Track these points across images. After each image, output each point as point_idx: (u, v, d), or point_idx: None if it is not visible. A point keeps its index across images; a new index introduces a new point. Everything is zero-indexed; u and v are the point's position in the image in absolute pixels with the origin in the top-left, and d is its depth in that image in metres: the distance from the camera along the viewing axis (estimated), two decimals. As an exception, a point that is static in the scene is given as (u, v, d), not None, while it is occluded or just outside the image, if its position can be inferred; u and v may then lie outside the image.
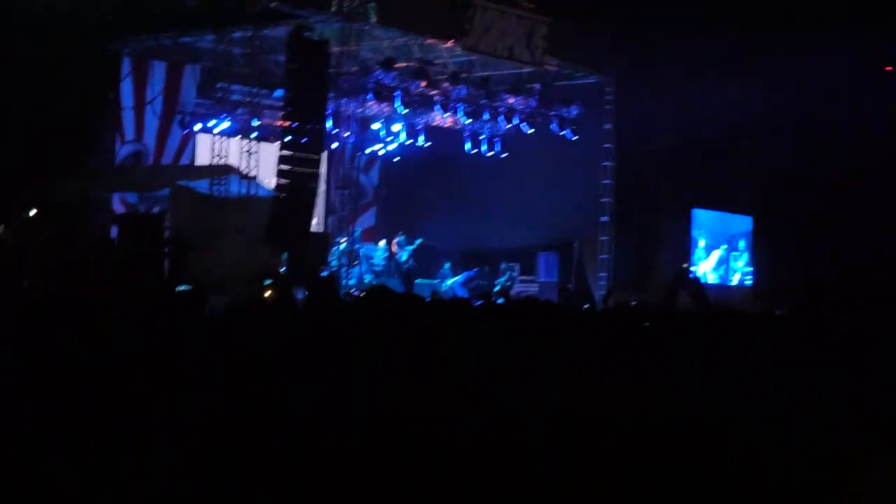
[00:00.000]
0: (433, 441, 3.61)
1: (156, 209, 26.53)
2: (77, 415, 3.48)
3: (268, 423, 3.60)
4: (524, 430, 4.03)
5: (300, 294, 17.71)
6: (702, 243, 31.29)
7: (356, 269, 27.28)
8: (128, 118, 28.60)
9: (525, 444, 3.93)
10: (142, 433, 3.50)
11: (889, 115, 27.60)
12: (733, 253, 31.95)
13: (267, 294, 20.11)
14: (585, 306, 21.00)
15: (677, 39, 29.22)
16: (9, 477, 3.26)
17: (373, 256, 28.80)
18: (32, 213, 25.10)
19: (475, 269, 29.34)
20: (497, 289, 28.42)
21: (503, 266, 29.84)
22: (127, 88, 28.51)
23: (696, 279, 24.93)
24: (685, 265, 23.13)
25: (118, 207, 28.06)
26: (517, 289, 29.30)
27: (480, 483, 3.50)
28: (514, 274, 29.85)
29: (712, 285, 30.42)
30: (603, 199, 30.46)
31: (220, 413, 3.74)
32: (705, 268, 31.26)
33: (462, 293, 27.27)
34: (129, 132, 28.71)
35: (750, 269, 32.11)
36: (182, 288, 16.79)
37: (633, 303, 17.72)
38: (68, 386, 3.69)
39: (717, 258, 31.59)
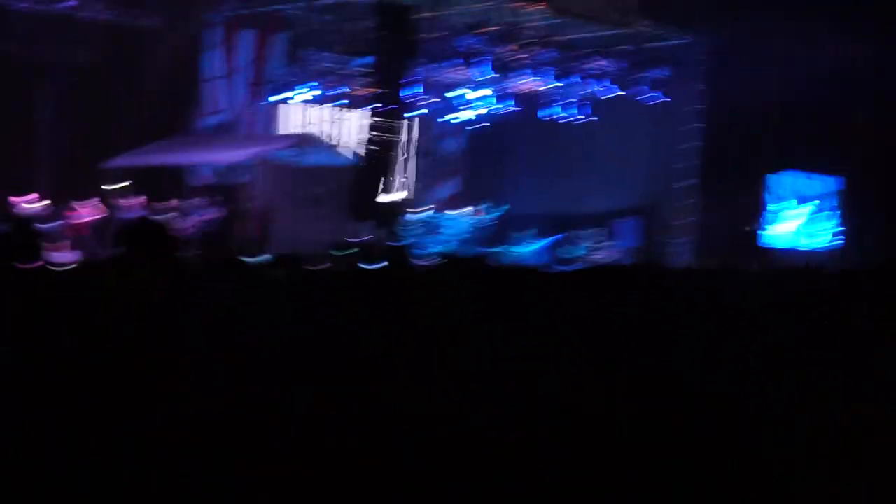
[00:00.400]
0: (433, 439, 3.60)
1: (242, 178, 26.79)
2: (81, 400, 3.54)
3: (269, 422, 3.61)
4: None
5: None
6: (787, 204, 30.79)
7: (439, 237, 27.30)
8: (216, 88, 28.87)
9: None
10: (149, 424, 3.55)
11: None
12: (817, 215, 31.39)
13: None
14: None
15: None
16: (9, 477, 3.30)
17: (457, 224, 28.75)
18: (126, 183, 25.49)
19: (560, 236, 29.14)
20: (580, 253, 28.25)
21: (586, 231, 29.58)
22: (217, 57, 28.77)
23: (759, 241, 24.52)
24: (750, 227, 22.76)
25: (206, 178, 28.39)
26: (600, 254, 29.05)
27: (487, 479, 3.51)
28: (597, 238, 29.58)
29: (794, 249, 29.95)
30: (690, 163, 30.07)
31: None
32: (789, 228, 30.77)
33: (546, 259, 27.15)
34: (218, 101, 28.99)
35: (836, 230, 31.54)
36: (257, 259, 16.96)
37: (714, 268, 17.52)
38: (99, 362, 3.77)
39: (803, 219, 31.09)
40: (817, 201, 31.64)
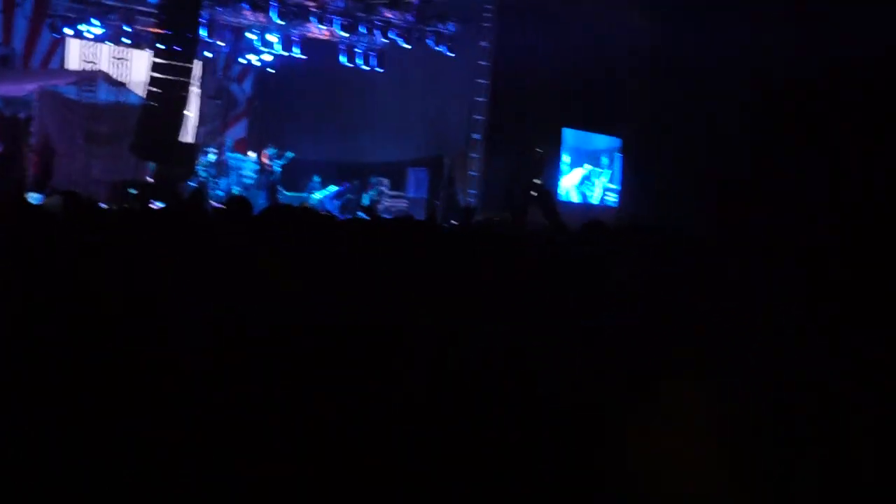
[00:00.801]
0: (433, 439, 3.69)
1: (21, 114, 26.10)
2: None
3: (267, 422, 3.65)
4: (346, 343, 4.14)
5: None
6: (566, 159, 31.54)
7: (224, 181, 27.12)
8: (-4, 19, 28.07)
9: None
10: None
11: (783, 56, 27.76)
12: (595, 169, 32.28)
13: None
14: (452, 223, 21.15)
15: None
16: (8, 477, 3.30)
17: (242, 168, 28.61)
18: None
19: (346, 184, 29.32)
20: (366, 203, 28.47)
21: (372, 180, 29.83)
22: (-5, -11, 27.96)
23: (548, 193, 24.99)
24: (536, 180, 23.19)
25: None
26: (385, 203, 29.33)
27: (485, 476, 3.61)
28: (383, 188, 29.85)
29: (575, 204, 30.72)
30: (476, 117, 30.55)
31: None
32: (568, 184, 31.54)
33: (331, 207, 27.27)
34: (-2, 33, 28.18)
35: (614, 187, 32.47)
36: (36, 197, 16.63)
37: (497, 219, 17.89)
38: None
39: (581, 176, 31.90)
40: (596, 158, 32.50)
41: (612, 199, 32.32)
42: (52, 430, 3.42)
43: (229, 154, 28.59)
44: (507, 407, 3.70)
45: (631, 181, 32.00)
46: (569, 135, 31.66)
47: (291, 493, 3.43)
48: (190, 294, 4.49)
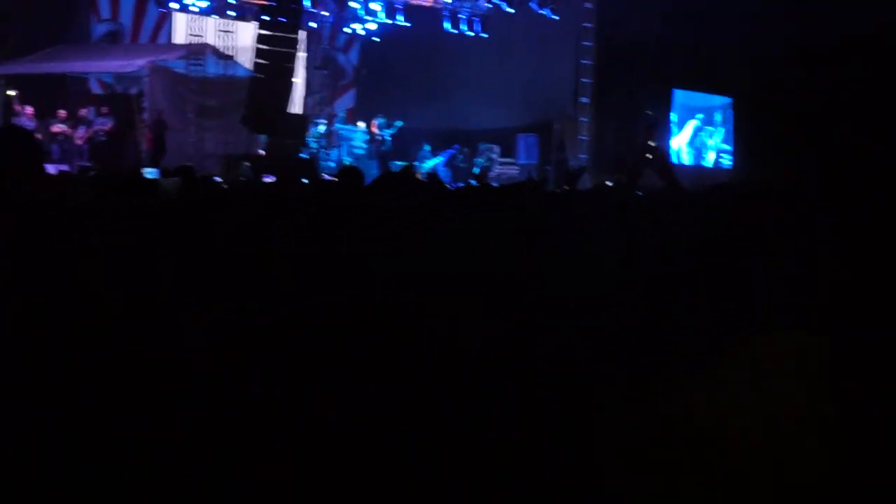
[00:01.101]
0: (433, 438, 3.58)
1: (133, 90, 26.33)
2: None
3: (268, 420, 3.56)
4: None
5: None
6: (676, 119, 31.13)
7: (335, 152, 27.14)
8: (103, -5, 28.33)
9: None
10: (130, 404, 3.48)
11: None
12: (707, 128, 31.81)
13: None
14: (564, 188, 20.91)
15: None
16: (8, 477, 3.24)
17: (352, 138, 28.62)
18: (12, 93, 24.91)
19: (454, 148, 29.17)
20: (476, 170, 28.33)
21: (482, 146, 29.69)
22: (103, -35, 28.20)
23: (663, 155, 24.65)
24: (651, 142, 22.85)
25: (95, 88, 27.88)
26: (497, 171, 29.20)
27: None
28: (494, 155, 29.71)
29: (687, 166, 30.31)
30: (583, 80, 30.25)
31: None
32: (679, 142, 31.13)
33: (444, 174, 27.17)
34: (105, 10, 28.40)
35: (727, 147, 31.99)
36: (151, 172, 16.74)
37: (609, 183, 17.63)
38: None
39: (692, 129, 31.45)
40: (709, 115, 32.06)
41: (726, 160, 31.86)
42: (59, 429, 3.35)
43: (339, 125, 28.62)
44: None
45: (742, 141, 31.52)
46: (679, 95, 31.24)
47: (291, 493, 3.33)
48: (311, 264, 4.40)
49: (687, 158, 31.08)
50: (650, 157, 21.72)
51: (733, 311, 3.78)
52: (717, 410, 2.77)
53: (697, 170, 30.26)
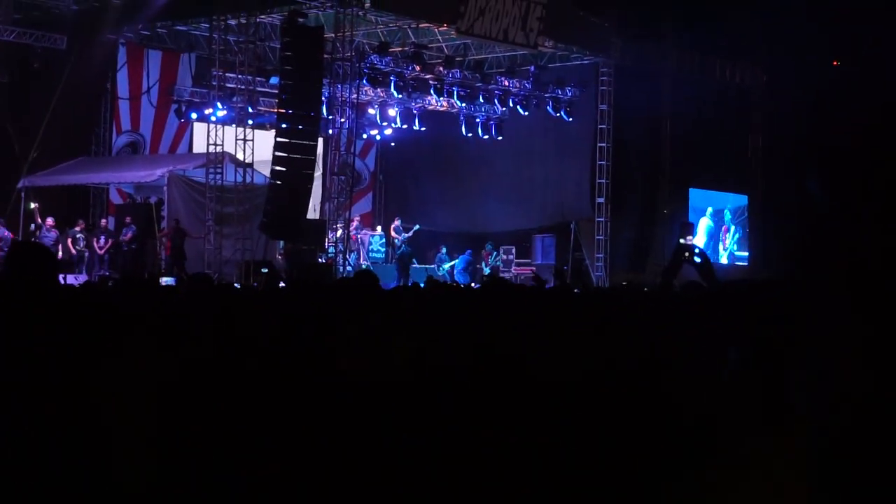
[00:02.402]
0: (433, 442, 3.65)
1: (153, 199, 26.61)
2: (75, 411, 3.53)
3: (269, 423, 3.64)
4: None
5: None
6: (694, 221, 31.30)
7: (353, 256, 27.26)
8: (124, 108, 28.70)
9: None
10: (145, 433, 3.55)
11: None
12: (721, 227, 31.95)
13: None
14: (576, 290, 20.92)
15: (674, 17, 29.44)
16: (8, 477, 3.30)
17: (370, 242, 28.81)
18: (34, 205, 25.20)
19: (468, 252, 29.29)
20: (487, 272, 28.46)
21: (488, 247, 29.81)
22: (123, 78, 28.59)
23: (703, 252, 24.56)
24: (685, 239, 22.81)
25: (115, 198, 28.19)
26: (514, 271, 29.29)
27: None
28: (508, 257, 29.84)
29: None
30: (599, 181, 30.43)
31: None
32: (696, 242, 31.27)
33: (462, 278, 27.29)
34: (126, 122, 28.80)
35: (737, 248, 32.13)
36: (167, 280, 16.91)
37: (624, 283, 17.67)
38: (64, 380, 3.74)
39: (706, 229, 31.53)
40: (723, 216, 32.20)
41: (738, 260, 31.98)
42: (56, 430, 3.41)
43: (358, 230, 28.81)
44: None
45: (759, 239, 31.63)
46: (695, 194, 31.40)
47: (291, 493, 3.38)
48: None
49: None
50: (687, 255, 21.69)
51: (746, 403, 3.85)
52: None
53: (716, 265, 30.27)
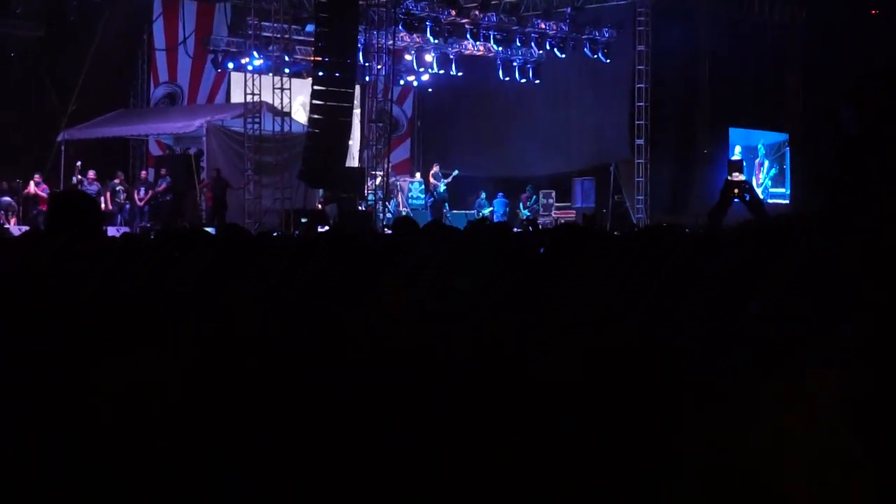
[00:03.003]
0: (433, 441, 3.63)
1: (192, 149, 26.67)
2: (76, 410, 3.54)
3: (267, 422, 3.63)
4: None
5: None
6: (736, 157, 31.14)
7: (392, 203, 27.28)
8: (160, 59, 28.74)
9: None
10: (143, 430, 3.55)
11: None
12: (754, 161, 31.79)
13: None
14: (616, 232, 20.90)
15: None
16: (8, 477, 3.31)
17: (409, 189, 28.81)
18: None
19: (500, 195, 29.34)
20: (526, 215, 28.43)
21: (528, 190, 29.76)
22: (159, 29, 28.60)
23: (752, 189, 24.31)
24: (737, 175, 22.54)
25: (154, 149, 28.28)
26: (554, 214, 29.25)
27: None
28: (548, 200, 29.78)
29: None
30: (638, 122, 30.25)
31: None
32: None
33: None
34: (163, 73, 28.85)
35: (772, 184, 31.96)
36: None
37: (664, 224, 17.56)
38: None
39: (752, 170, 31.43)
40: (757, 151, 32.04)
41: (777, 192, 31.86)
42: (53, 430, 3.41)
43: (395, 176, 28.82)
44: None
45: (800, 176, 31.45)
46: (735, 133, 31.20)
47: (291, 493, 3.38)
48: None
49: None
50: (737, 191, 21.44)
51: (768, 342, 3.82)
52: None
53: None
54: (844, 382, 3.05)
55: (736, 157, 28.71)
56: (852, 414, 2.99)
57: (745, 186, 16.81)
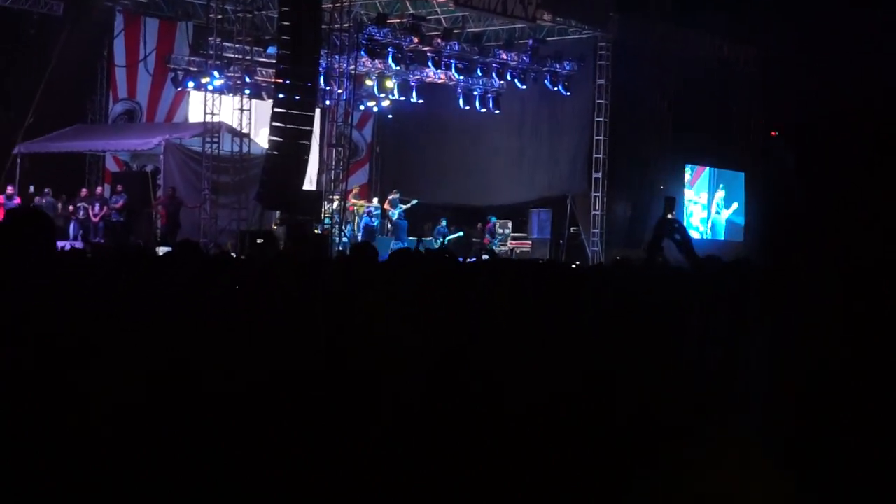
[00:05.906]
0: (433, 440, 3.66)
1: (148, 167, 26.57)
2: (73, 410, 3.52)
3: (267, 421, 3.64)
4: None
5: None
6: (690, 195, 31.34)
7: (349, 228, 27.24)
8: (120, 76, 28.63)
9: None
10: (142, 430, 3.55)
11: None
12: (717, 202, 32.04)
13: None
14: (575, 263, 20.97)
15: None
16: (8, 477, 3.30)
17: (365, 214, 28.77)
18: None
19: (459, 231, 29.38)
20: (496, 244, 28.47)
21: (492, 220, 29.67)
22: (119, 46, 28.51)
23: (682, 228, 24.50)
24: (669, 215, 22.72)
25: (111, 165, 28.15)
26: (510, 245, 29.32)
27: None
28: (504, 231, 29.80)
29: (701, 240, 30.38)
30: (596, 155, 30.38)
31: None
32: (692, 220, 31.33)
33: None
34: (122, 90, 28.73)
35: (736, 220, 32.19)
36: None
37: (617, 258, 17.64)
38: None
39: (703, 206, 31.64)
40: (720, 191, 32.28)
41: (736, 232, 32.04)
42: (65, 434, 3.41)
43: (354, 201, 28.78)
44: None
45: (755, 215, 31.67)
46: (691, 171, 31.43)
47: (292, 493, 3.40)
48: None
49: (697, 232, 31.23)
50: (669, 230, 21.58)
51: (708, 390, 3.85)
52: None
53: (710, 242, 30.31)
54: (770, 423, 3.10)
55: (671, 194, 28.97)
56: (781, 451, 3.03)
57: (675, 226, 16.93)
